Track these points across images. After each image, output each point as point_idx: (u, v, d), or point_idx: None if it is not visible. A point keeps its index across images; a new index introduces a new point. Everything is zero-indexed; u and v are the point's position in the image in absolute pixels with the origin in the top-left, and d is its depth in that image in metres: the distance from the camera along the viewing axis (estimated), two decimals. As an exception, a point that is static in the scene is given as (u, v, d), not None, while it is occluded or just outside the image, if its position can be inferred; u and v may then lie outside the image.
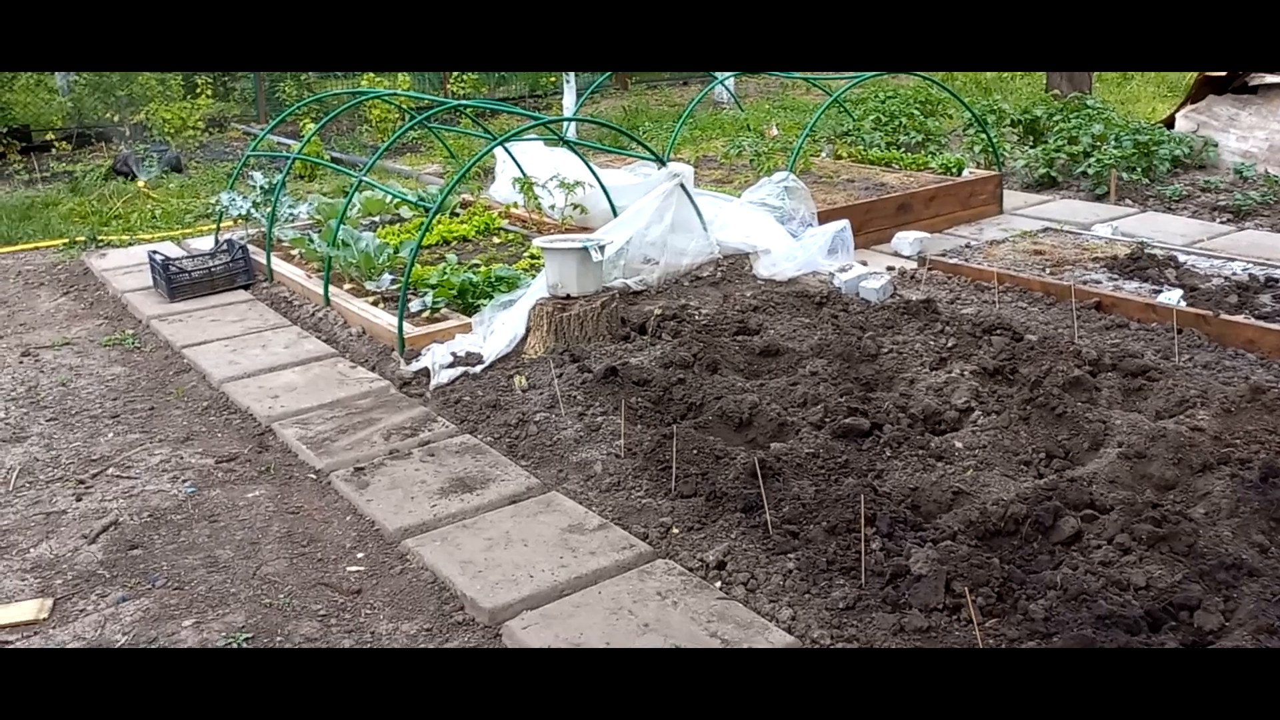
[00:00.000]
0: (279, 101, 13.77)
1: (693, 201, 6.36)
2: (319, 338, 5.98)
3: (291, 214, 7.46)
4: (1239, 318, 5.28)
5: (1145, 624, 3.13)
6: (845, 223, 6.54)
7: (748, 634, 3.24)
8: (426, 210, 7.37)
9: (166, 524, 4.09)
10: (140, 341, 6.13)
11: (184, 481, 4.41)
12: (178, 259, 6.92)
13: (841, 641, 3.20)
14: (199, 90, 12.30)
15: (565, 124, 7.94)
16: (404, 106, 10.96)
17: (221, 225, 7.68)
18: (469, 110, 8.87)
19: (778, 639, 3.22)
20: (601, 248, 5.48)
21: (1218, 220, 7.58)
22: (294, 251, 7.11)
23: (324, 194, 8.84)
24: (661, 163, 6.49)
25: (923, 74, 9.68)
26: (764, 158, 7.89)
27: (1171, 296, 5.59)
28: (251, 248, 7.13)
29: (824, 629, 3.25)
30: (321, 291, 6.32)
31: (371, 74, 12.44)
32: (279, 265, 6.92)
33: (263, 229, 7.47)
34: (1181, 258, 6.37)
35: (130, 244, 8.13)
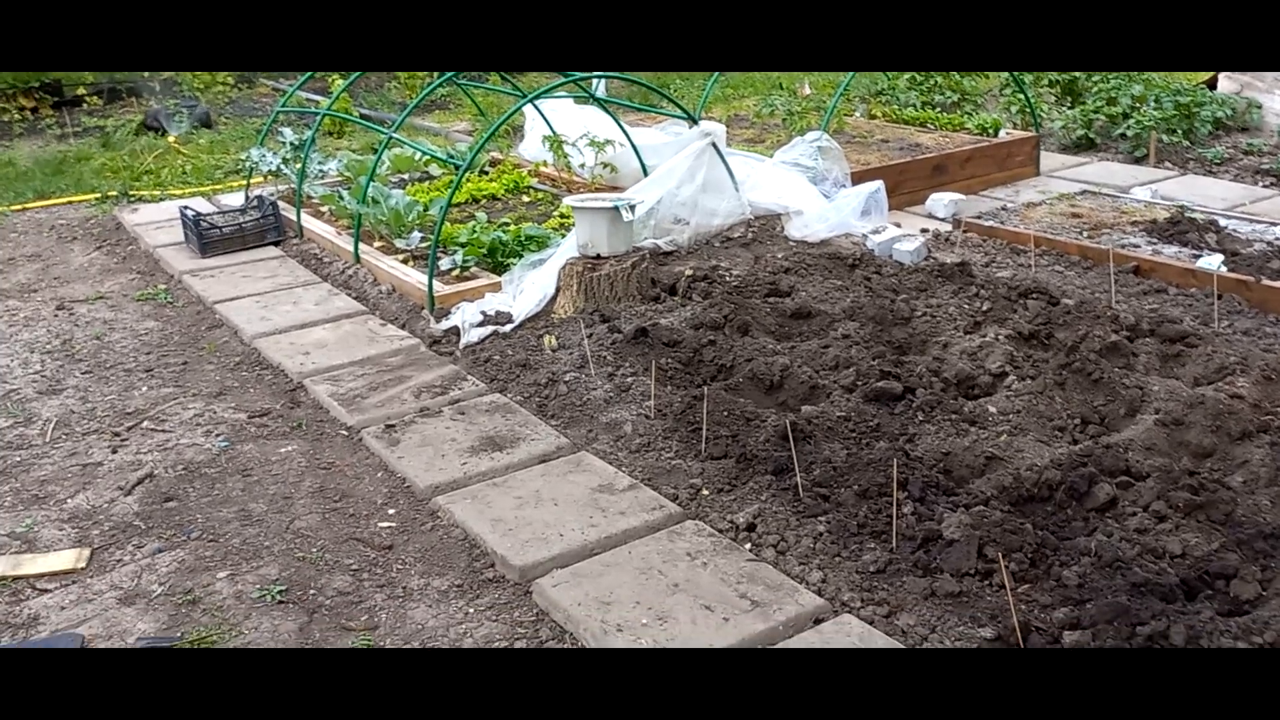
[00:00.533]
0: (308, 57, 13.69)
1: (724, 161, 6.29)
2: (349, 295, 5.99)
3: (321, 170, 7.45)
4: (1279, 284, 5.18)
5: (1181, 592, 3.11)
6: (879, 184, 6.45)
7: (777, 595, 3.24)
8: (456, 168, 7.34)
9: (201, 477, 4.13)
10: (173, 296, 6.16)
11: (217, 436, 4.45)
12: (209, 214, 6.93)
13: (871, 604, 3.19)
14: (229, 45, 12.25)
15: (595, 81, 7.86)
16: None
17: (252, 181, 7.68)
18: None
19: (808, 601, 3.21)
20: (632, 207, 5.44)
21: (1260, 184, 7.42)
22: (324, 208, 7.11)
23: (353, 151, 8.81)
24: (693, 121, 6.42)
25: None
26: (797, 117, 7.79)
27: (1212, 261, 5.50)
28: (281, 204, 7.13)
29: (854, 592, 3.24)
30: (351, 249, 6.32)
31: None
32: (309, 222, 6.92)
33: (292, 185, 7.46)
34: (1222, 222, 6.25)
35: (161, 199, 8.15)
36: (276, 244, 6.87)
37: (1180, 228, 6.12)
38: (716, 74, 8.25)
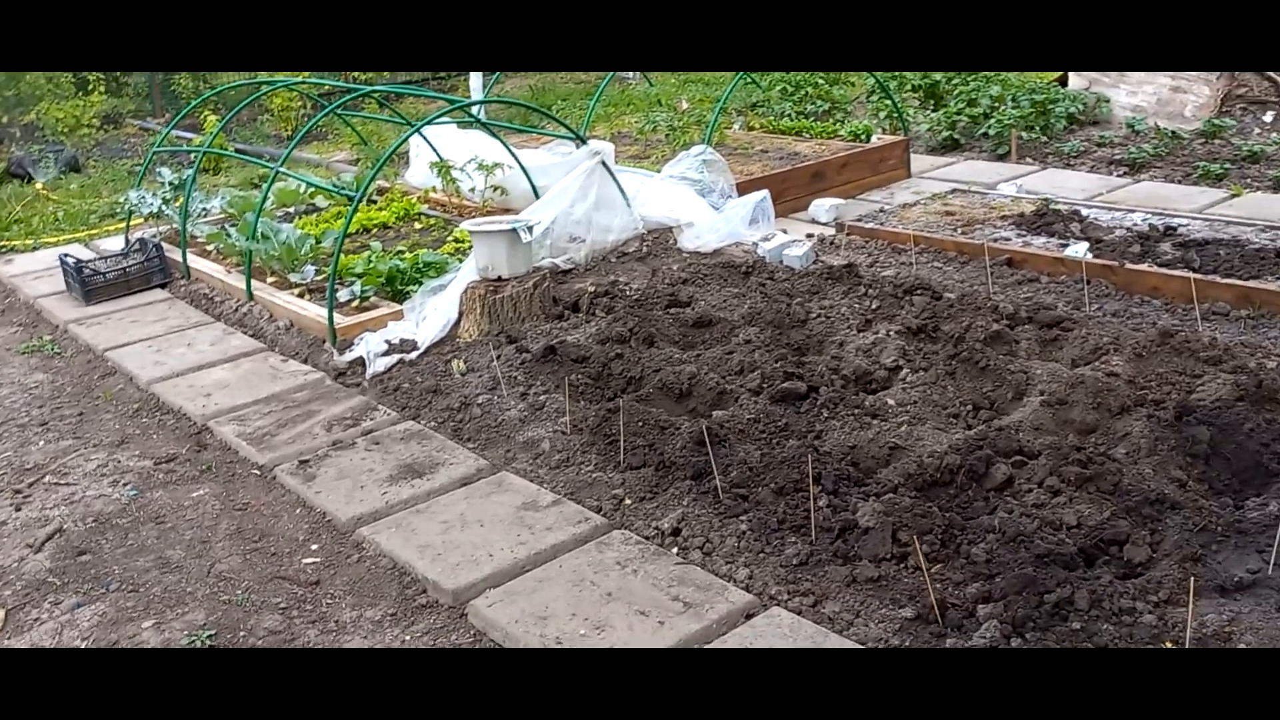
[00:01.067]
0: (174, 95, 13.37)
1: (615, 178, 6.42)
2: (245, 333, 5.91)
3: (204, 209, 7.31)
4: (1143, 266, 5.55)
5: (1081, 560, 3.33)
6: (765, 193, 6.67)
7: (708, 595, 3.35)
8: (349, 199, 7.30)
9: (112, 528, 4.04)
10: (60, 347, 5.97)
11: (125, 485, 4.35)
12: (90, 261, 6.74)
13: (798, 595, 3.33)
14: (91, 87, 11.88)
15: (479, 106, 7.91)
16: (310, 94, 10.76)
17: (131, 224, 7.48)
18: (376, 95, 8.76)
19: (737, 598, 3.33)
20: (530, 228, 5.51)
21: (1115, 174, 7.92)
22: (209, 247, 6.98)
23: (230, 187, 8.66)
24: (582, 140, 6.53)
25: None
26: (679, 132, 7.98)
27: (1078, 249, 5.85)
28: (165, 245, 6.97)
29: (780, 585, 3.38)
30: (243, 286, 6.23)
31: (271, 62, 12.16)
32: (195, 262, 6.79)
33: (173, 226, 7.31)
34: (1084, 211, 6.65)
35: (35, 248, 7.88)
36: (163, 286, 6.72)
37: (1046, 219, 6.49)
38: (599, 93, 8.38)
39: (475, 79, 12.76)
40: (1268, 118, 8.99)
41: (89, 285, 6.44)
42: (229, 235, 6.47)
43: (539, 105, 11.36)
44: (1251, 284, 5.20)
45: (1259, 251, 5.68)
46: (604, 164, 6.29)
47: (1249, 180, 7.44)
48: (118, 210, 8.99)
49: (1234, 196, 7.06)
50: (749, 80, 10.25)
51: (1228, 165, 7.68)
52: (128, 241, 7.20)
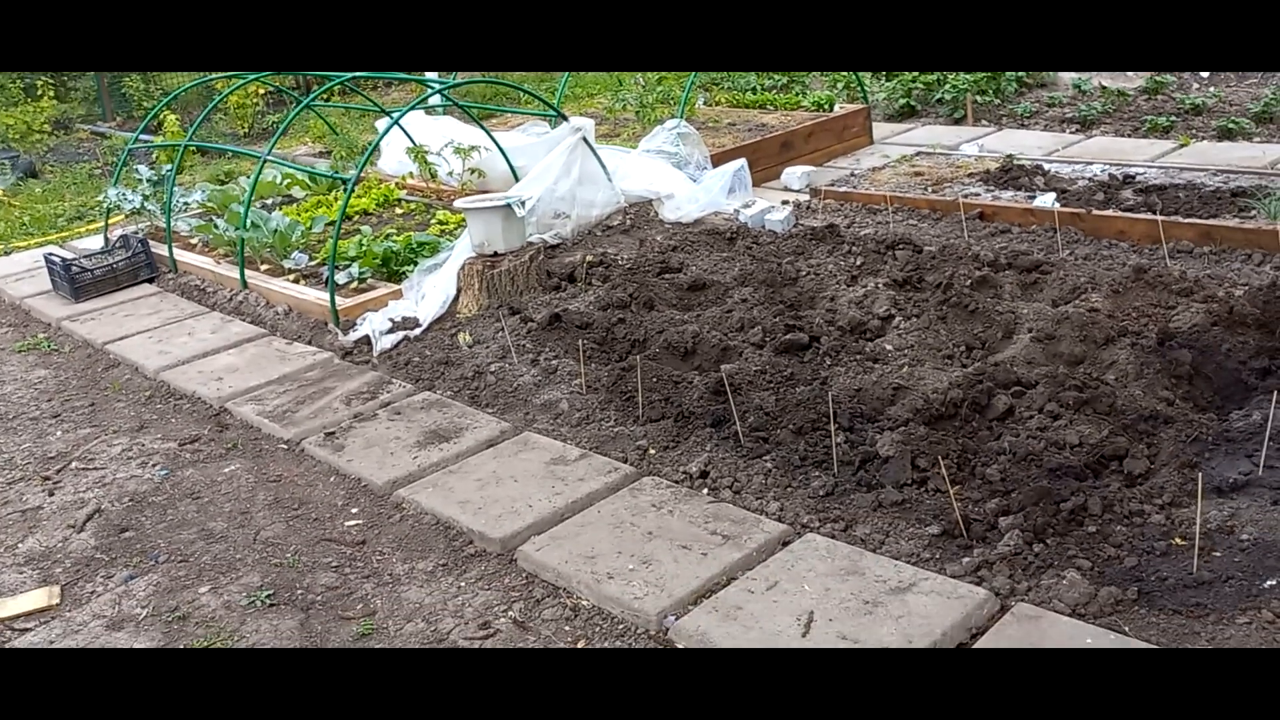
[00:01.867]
0: (124, 97, 13.24)
1: (596, 154, 6.57)
2: (244, 320, 5.98)
3: (185, 204, 7.33)
4: (1109, 212, 5.85)
5: (1090, 473, 3.58)
6: (742, 162, 6.88)
7: (744, 528, 3.55)
8: (333, 185, 7.39)
9: (150, 505, 4.13)
10: (56, 343, 6.00)
11: (154, 466, 4.44)
12: (76, 259, 6.74)
13: (829, 522, 3.53)
14: (40, 92, 11.74)
15: (449, 89, 8.00)
16: (281, 87, 10.75)
17: (110, 222, 7.48)
18: (343, 84, 8.81)
19: (772, 528, 3.53)
20: (523, 202, 5.66)
21: (1068, 131, 8.24)
22: (194, 240, 7.02)
23: (197, 184, 8.67)
24: (563, 118, 6.67)
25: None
26: (649, 109, 8.15)
27: (1046, 200, 6.13)
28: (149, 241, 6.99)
29: (811, 514, 3.59)
30: (235, 275, 6.29)
31: (224, 60, 12.11)
32: (182, 255, 6.82)
33: (153, 222, 7.33)
34: (1046, 166, 6.95)
35: (8, 252, 7.84)
36: (151, 281, 6.75)
37: (1012, 174, 6.77)
38: (567, 74, 8.52)
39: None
40: (1204, 74, 9.38)
41: (78, 283, 6.45)
42: (217, 226, 6.52)
43: (494, 92, 11.46)
44: (1211, 222, 5.51)
45: (1215, 193, 6.00)
46: (585, 140, 6.44)
47: (1194, 131, 7.80)
48: (85, 213, 8.97)
49: (1183, 146, 7.40)
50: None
51: (1173, 118, 8.03)
52: (108, 240, 7.21)
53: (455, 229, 6.62)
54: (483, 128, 7.28)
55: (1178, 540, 3.21)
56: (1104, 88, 9.12)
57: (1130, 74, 9.54)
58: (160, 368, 5.40)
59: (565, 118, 6.71)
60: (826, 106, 8.44)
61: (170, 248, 6.82)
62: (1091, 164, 6.94)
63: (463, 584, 3.48)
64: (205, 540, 3.87)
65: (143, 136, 10.99)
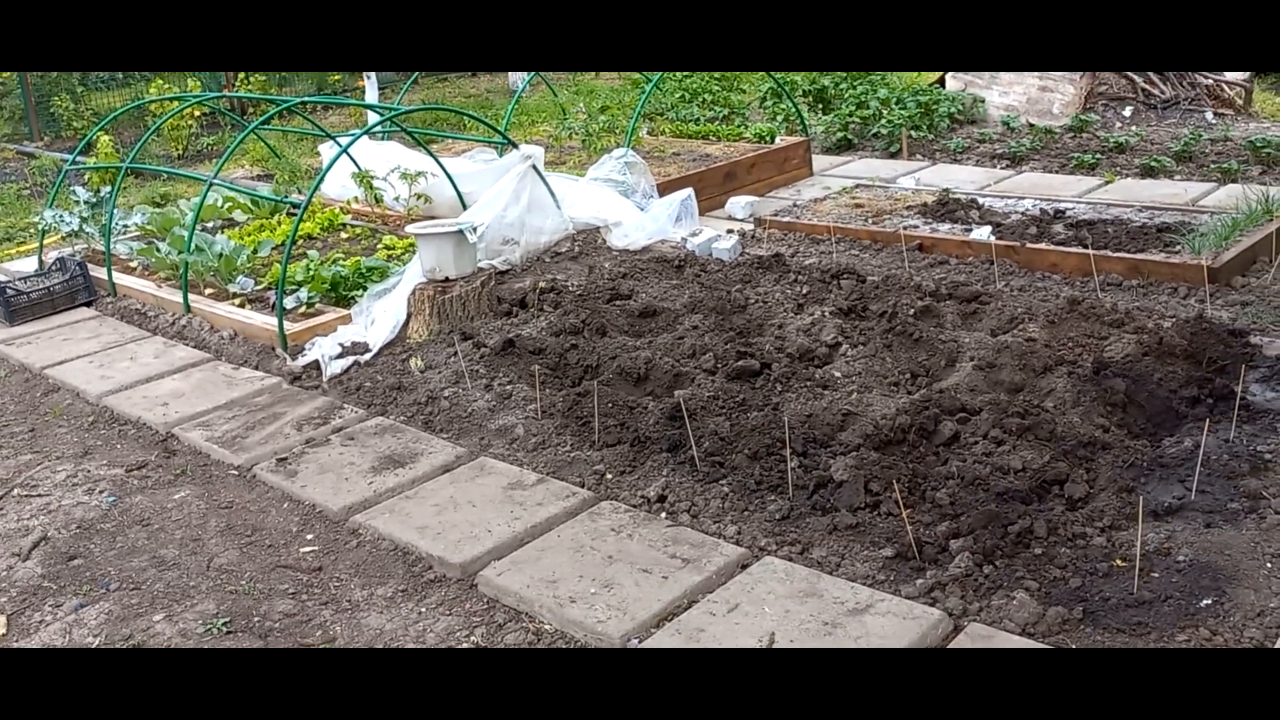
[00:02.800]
0: (52, 117, 12.97)
1: (546, 182, 6.64)
2: (188, 345, 5.90)
3: (124, 226, 7.22)
4: (1042, 245, 6.07)
5: (1034, 497, 3.71)
6: (689, 191, 6.99)
7: (703, 551, 3.61)
8: (289, 208, 7.34)
9: (98, 533, 4.06)
10: (-9, 368, 5.86)
11: (101, 492, 4.36)
12: (10, 281, 6.60)
13: (786, 545, 3.61)
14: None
15: (394, 114, 8.00)
16: (217, 108, 10.63)
17: (45, 244, 7.33)
18: (290, 107, 8.76)
19: (730, 551, 3.60)
20: (474, 228, 5.69)
21: (999, 166, 8.52)
22: (133, 263, 6.91)
23: (134, 206, 8.53)
24: (513, 145, 6.73)
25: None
26: (595, 138, 8.24)
27: (982, 233, 6.34)
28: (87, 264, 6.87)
29: (768, 537, 3.67)
30: (178, 299, 6.21)
31: (160, 81, 11.97)
32: (121, 279, 6.72)
33: (90, 244, 7.20)
34: (980, 200, 7.18)
35: (-65, 274, 7.61)
36: (89, 304, 6.63)
37: (948, 207, 6.99)
38: (514, 102, 8.59)
39: (371, 93, 12.78)
40: (1126, 113, 9.78)
41: (12, 306, 6.31)
42: (159, 250, 6.43)
43: (432, 119, 11.47)
44: (1139, 256, 5.75)
45: (1141, 228, 6.27)
46: (535, 168, 6.50)
47: (1119, 168, 8.12)
48: (14, 234, 8.75)
49: (1108, 183, 7.71)
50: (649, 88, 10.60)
51: (1098, 155, 8.36)
52: (43, 262, 7.06)
53: (403, 254, 6.62)
54: (430, 153, 7.30)
55: (1119, 562, 3.35)
56: (1032, 125, 9.45)
57: (1055, 111, 9.91)
58: (103, 392, 5.31)
59: (515, 145, 6.76)
60: (768, 138, 8.62)
61: (110, 271, 6.71)
62: (1023, 199, 7.19)
63: (423, 609, 3.49)
64: (157, 568, 3.82)
65: (64, 156, 10.80)
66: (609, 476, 4.15)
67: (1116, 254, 5.82)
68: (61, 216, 6.99)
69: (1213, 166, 7.80)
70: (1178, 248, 5.83)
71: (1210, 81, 9.89)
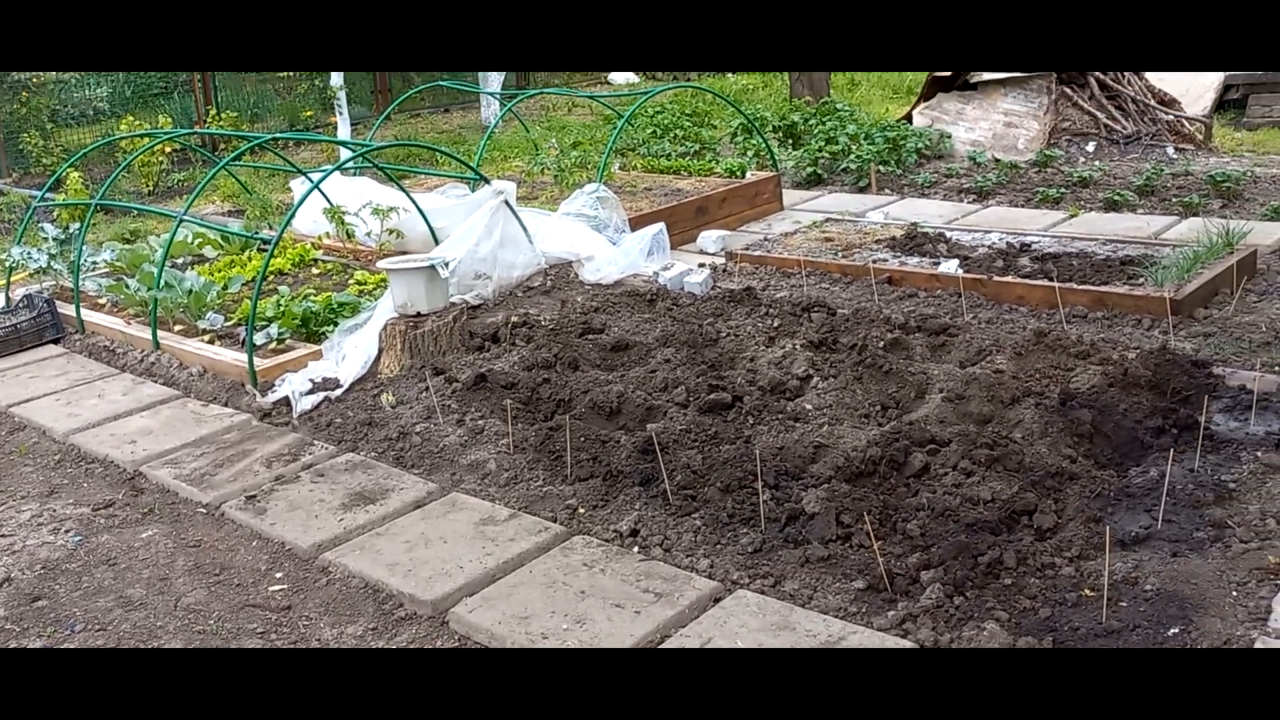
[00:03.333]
0: (20, 153, 12.90)
1: (518, 216, 6.66)
2: (157, 382, 5.86)
3: (93, 263, 7.18)
4: (1009, 278, 6.14)
5: (1003, 527, 3.74)
6: (661, 226, 7.04)
7: (676, 585, 3.61)
8: (260, 243, 7.32)
9: (64, 573, 4.00)
10: (-45, 405, 5.78)
11: (66, 532, 4.31)
12: (-25, 319, 6.54)
13: (758, 578, 3.62)
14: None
15: (366, 150, 8.03)
16: (188, 144, 10.62)
17: (11, 281, 7.27)
18: (254, 146, 8.76)
19: (703, 585, 3.60)
20: (447, 264, 5.70)
21: (965, 201, 8.64)
22: (102, 300, 6.86)
23: (103, 243, 8.49)
24: (485, 181, 6.76)
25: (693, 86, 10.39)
26: (566, 173, 8.29)
27: (950, 266, 6.42)
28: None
29: (741, 571, 3.67)
30: (146, 336, 6.17)
31: (130, 118, 11.95)
32: (90, 315, 6.66)
33: (58, 281, 7.15)
34: (948, 234, 7.27)
35: (-101, 310, 7.51)
36: (56, 341, 6.57)
37: (916, 241, 7.07)
38: (486, 137, 8.63)
39: (343, 129, 12.82)
40: (1090, 148, 9.95)
41: (-22, 343, 6.25)
42: (128, 286, 6.40)
43: (405, 154, 11.51)
44: (1104, 289, 5.84)
45: (1105, 261, 6.36)
46: (507, 203, 6.53)
47: (1083, 202, 8.25)
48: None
49: (1073, 216, 7.83)
50: (620, 124, 10.69)
51: (1063, 190, 8.49)
52: (9, 299, 7.00)
53: (374, 289, 6.61)
54: (401, 188, 7.31)
55: (1087, 591, 3.38)
56: (997, 160, 9.59)
57: (1020, 147, 10.07)
58: (70, 430, 5.26)
59: (487, 180, 6.79)
60: (739, 173, 8.70)
61: (78, 308, 6.66)
62: (990, 232, 7.28)
63: (393, 648, 3.46)
64: (124, 608, 3.77)
65: (32, 193, 10.73)
66: (581, 511, 4.15)
67: (1082, 286, 5.90)
68: (29, 253, 6.94)
69: (1174, 200, 7.94)
70: (1141, 280, 5.92)
71: (1171, 117, 10.10)
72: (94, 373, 6.06)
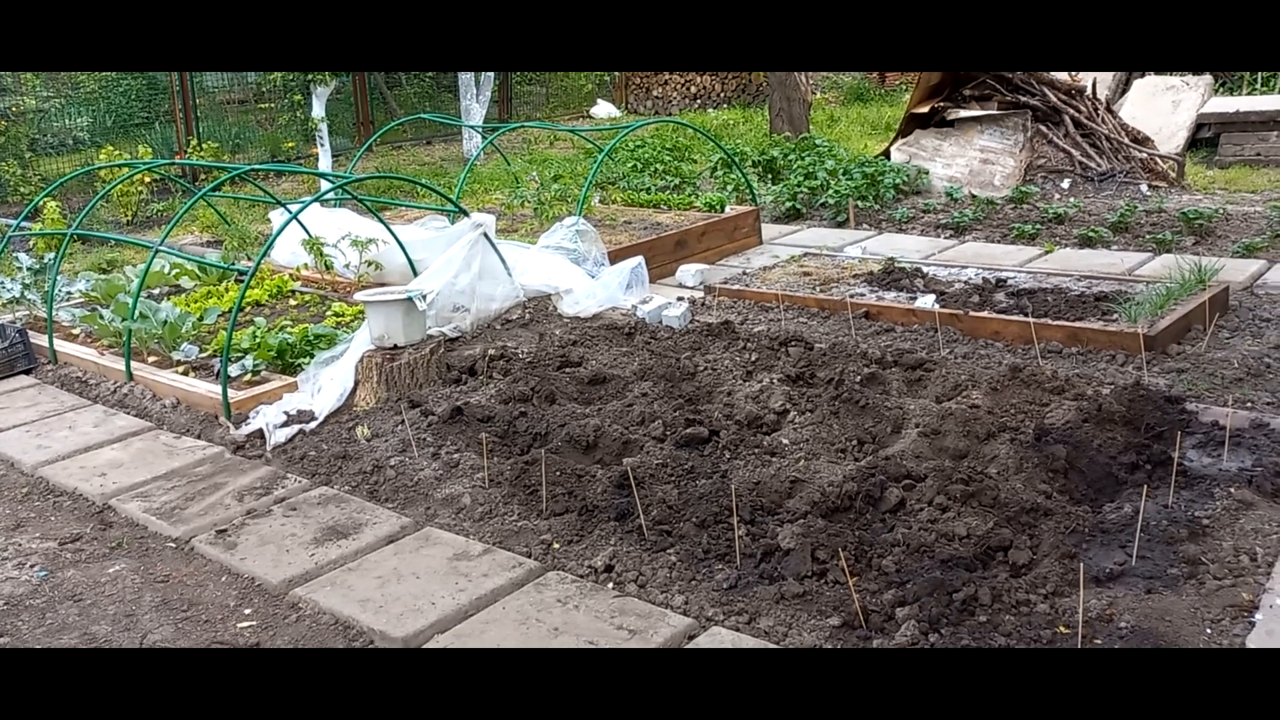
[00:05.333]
0: (-2, 181, 12.84)
1: (497, 249, 6.67)
2: (129, 413, 5.80)
3: (68, 293, 7.12)
4: (984, 313, 6.18)
5: (979, 564, 3.73)
6: (640, 259, 7.05)
7: (650, 622, 3.58)
8: (236, 275, 7.29)
9: (27, 609, 3.94)
10: (-77, 437, 5.70)
11: (32, 566, 4.24)
12: (-54, 348, 6.46)
13: (733, 615, 3.59)
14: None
15: (346, 182, 8.03)
16: (168, 174, 10.60)
17: (-17, 311, 7.22)
18: (233, 177, 8.76)
19: (678, 622, 3.57)
20: (424, 296, 5.69)
21: (942, 236, 8.70)
22: (76, 330, 6.81)
23: (79, 273, 8.44)
24: (464, 213, 6.76)
25: (673, 120, 10.44)
26: (546, 206, 8.31)
27: (927, 301, 6.45)
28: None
29: (716, 607, 3.64)
30: (120, 368, 6.12)
31: (110, 148, 11.92)
32: (63, 346, 6.61)
33: (31, 311, 7.10)
34: (925, 269, 7.31)
35: None
36: (29, 372, 6.50)
37: (894, 275, 7.11)
38: (467, 169, 8.64)
39: (324, 160, 12.83)
40: (1065, 185, 10.06)
41: (-52, 373, 6.18)
42: (103, 317, 6.35)
43: (385, 186, 11.52)
44: (1078, 325, 5.88)
45: (1080, 297, 6.41)
46: (486, 236, 6.53)
47: (1058, 238, 8.33)
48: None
49: (1048, 252, 7.90)
50: (600, 157, 10.74)
51: (1038, 226, 8.57)
52: (-19, 329, 6.92)
53: (352, 321, 6.59)
54: (381, 220, 7.31)
55: (1062, 629, 3.36)
56: (974, 196, 9.69)
57: (997, 183, 10.16)
58: (38, 463, 5.19)
59: (466, 213, 6.80)
60: (718, 207, 8.75)
61: (51, 338, 6.60)
62: (966, 267, 7.33)
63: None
64: (88, 645, 3.70)
65: (7, 221, 10.67)
66: (556, 546, 4.11)
67: (1056, 322, 5.94)
68: (2, 283, 6.88)
69: (1148, 237, 8.03)
70: (1115, 316, 5.96)
71: (1145, 155, 10.22)
72: (66, 404, 6.00)
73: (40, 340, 6.66)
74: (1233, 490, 4.08)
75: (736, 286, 7.19)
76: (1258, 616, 3.33)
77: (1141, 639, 3.26)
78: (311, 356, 5.87)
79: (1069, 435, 4.54)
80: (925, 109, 10.80)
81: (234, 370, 5.79)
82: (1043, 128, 10.47)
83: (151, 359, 6.20)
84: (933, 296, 6.53)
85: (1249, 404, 4.93)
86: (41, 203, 10.12)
